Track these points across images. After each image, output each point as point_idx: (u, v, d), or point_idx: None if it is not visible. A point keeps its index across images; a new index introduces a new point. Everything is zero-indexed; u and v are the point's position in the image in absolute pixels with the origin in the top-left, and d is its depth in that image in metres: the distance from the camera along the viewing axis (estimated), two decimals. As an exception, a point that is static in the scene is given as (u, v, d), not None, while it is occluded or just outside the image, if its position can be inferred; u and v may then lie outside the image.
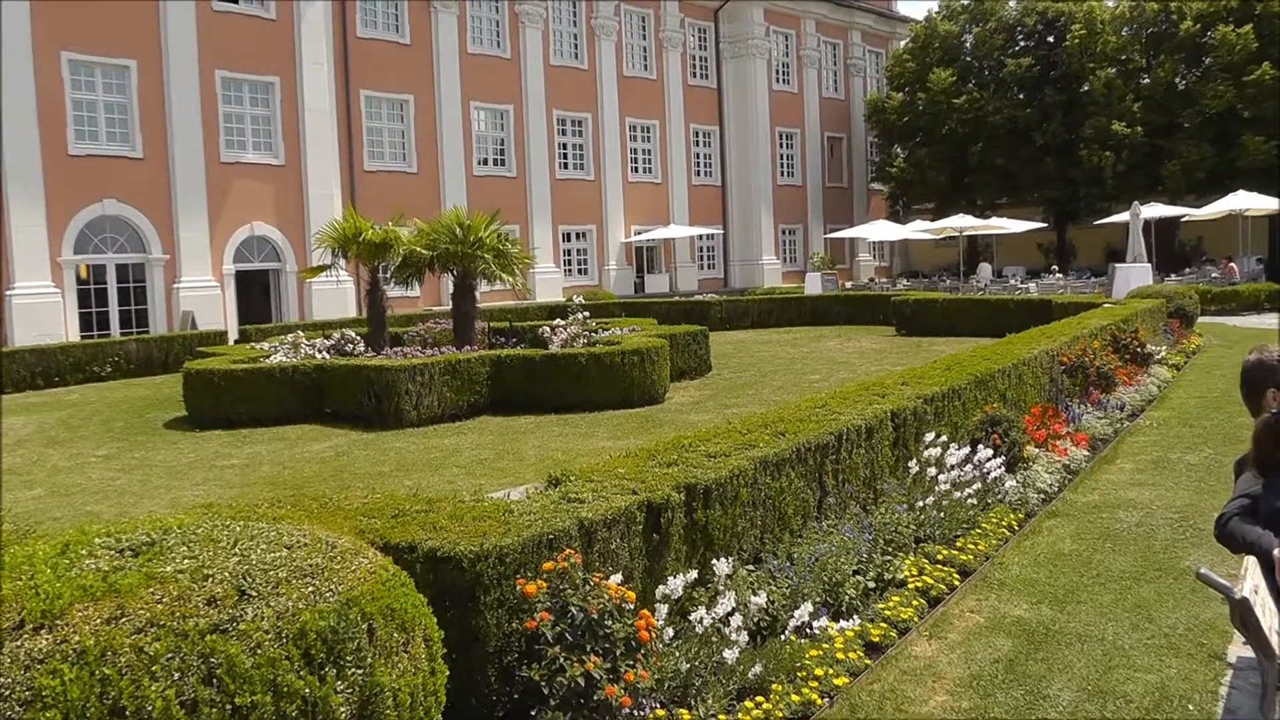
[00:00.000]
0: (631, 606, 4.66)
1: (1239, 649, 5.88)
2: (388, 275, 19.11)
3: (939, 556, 7.35)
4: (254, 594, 3.00)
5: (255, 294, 32.52)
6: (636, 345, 16.57)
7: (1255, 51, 39.63)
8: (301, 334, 18.52)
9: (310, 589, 3.09)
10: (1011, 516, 8.40)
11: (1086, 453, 10.66)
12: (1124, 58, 44.11)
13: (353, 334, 18.72)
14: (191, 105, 30.15)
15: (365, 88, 35.43)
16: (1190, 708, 5.24)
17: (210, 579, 3.03)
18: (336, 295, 32.84)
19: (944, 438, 8.48)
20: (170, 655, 2.78)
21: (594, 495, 5.42)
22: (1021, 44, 48.48)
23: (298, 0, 32.63)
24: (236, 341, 26.35)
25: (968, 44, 49.66)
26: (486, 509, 5.01)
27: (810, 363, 21.36)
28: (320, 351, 17.73)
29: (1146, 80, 43.63)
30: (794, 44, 52.09)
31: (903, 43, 55.08)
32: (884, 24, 57.46)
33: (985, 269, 42.84)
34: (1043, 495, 9.19)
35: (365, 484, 10.74)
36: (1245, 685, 5.40)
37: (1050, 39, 47.86)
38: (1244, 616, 4.04)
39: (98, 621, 2.83)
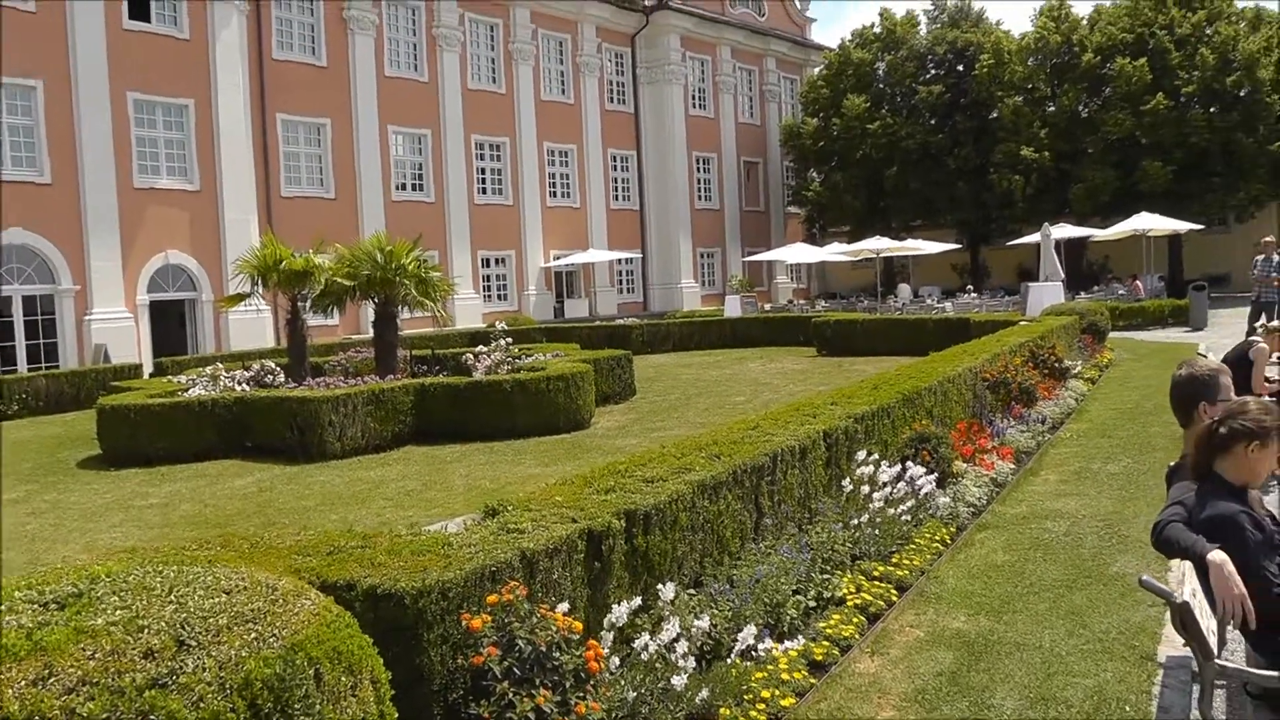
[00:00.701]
0: (578, 637, 4.55)
1: (1168, 649, 5.99)
2: (308, 304, 18.77)
3: (876, 573, 7.34)
4: (194, 644, 2.82)
5: (170, 325, 31.74)
6: (561, 371, 16.44)
7: (1150, 83, 40.96)
8: (220, 366, 18.10)
9: (253, 635, 2.92)
10: (944, 531, 8.44)
11: (1012, 466, 10.77)
12: (1030, 86, 45.16)
13: (272, 365, 18.36)
14: (102, 128, 29.29)
15: (282, 111, 34.91)
16: (1127, 709, 5.33)
17: (146, 630, 2.84)
18: (255, 325, 32.22)
19: (875, 456, 8.49)
20: (106, 716, 2.59)
21: (534, 525, 5.30)
22: (933, 72, 49.42)
23: (212, 20, 32.03)
24: (152, 375, 25.60)
25: (880, 71, 50.44)
26: (425, 543, 4.86)
27: (734, 384, 21.36)
28: (240, 384, 17.34)
29: (1052, 108, 44.75)
30: (710, 70, 52.54)
31: (817, 70, 55.85)
32: (798, 51, 58.19)
33: (905, 289, 43.43)
34: (973, 509, 9.25)
35: (291, 520, 10.47)
36: (1176, 684, 5.51)
37: (960, 68, 48.84)
38: (1184, 619, 4.15)
39: (23, 684, 2.63)
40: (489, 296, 42.20)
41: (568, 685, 4.35)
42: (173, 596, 3.06)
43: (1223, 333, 26.60)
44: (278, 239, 19.06)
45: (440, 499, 11.36)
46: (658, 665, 5.12)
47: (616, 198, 48.71)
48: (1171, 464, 5.08)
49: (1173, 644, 6.05)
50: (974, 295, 39.83)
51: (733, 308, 40.05)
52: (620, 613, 4.91)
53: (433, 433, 15.70)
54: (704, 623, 5.44)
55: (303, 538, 5.01)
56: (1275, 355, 11.25)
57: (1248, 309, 22.92)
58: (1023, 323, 21.09)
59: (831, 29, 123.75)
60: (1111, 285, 39.58)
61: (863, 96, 48.49)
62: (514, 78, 43.14)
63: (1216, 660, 4.16)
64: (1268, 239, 23.23)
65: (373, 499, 11.59)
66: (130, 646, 2.77)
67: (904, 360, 18.46)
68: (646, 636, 5.05)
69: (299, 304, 18.56)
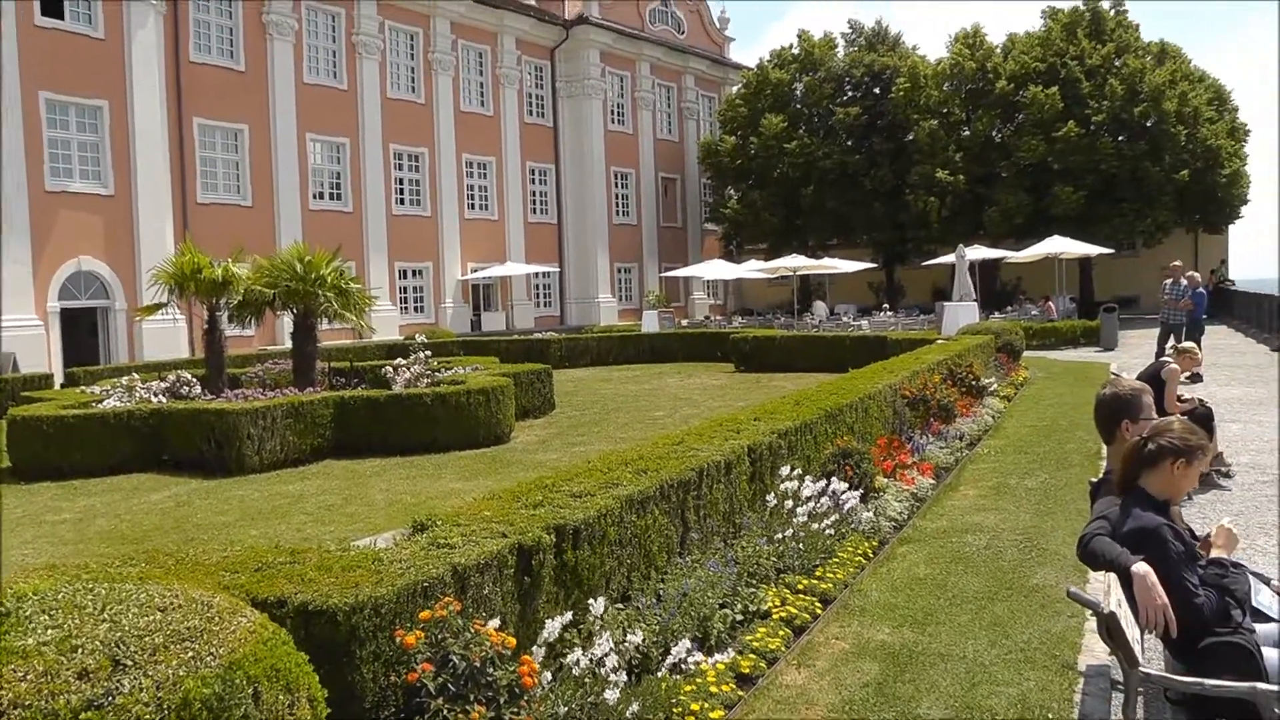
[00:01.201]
0: (511, 652, 4.50)
1: (1088, 658, 6.11)
2: (225, 314, 18.42)
3: (800, 586, 7.37)
4: (130, 664, 2.71)
5: (82, 334, 30.89)
6: (482, 384, 16.34)
7: (1062, 111, 41.90)
8: (135, 376, 17.66)
9: (190, 654, 2.82)
10: (866, 545, 8.51)
11: (932, 481, 10.91)
12: (945, 111, 45.95)
13: (189, 376, 17.95)
14: (13, 129, 28.44)
15: (199, 115, 34.28)
16: (1050, 716, 5.41)
17: (80, 650, 2.73)
18: (170, 335, 31.53)
19: (799, 471, 8.55)
20: (39, 739, 2.48)
21: (464, 540, 5.24)
22: (850, 94, 50.08)
23: (128, 19, 31.29)
24: (63, 385, 24.86)
25: (798, 92, 50.98)
26: (355, 558, 4.78)
27: (653, 399, 21.41)
28: (156, 395, 16.93)
29: (967, 132, 45.55)
30: (629, 86, 52.73)
31: (735, 88, 56.40)
32: (717, 70, 58.66)
33: (820, 307, 43.86)
34: (894, 523, 9.35)
35: (210, 535, 10.23)
36: (1096, 691, 5.63)
37: (877, 90, 49.56)
38: (1111, 628, 4.25)
39: (-51, 708, 2.52)
40: (406, 308, 41.84)
41: (502, 701, 4.30)
42: (106, 615, 2.95)
43: (1133, 353, 27.31)
44: (195, 246, 18.69)
45: (362, 514, 11.20)
46: (588, 680, 5.09)
47: (534, 211, 48.63)
48: (1094, 479, 5.20)
49: (1092, 653, 6.17)
50: (890, 314, 40.44)
51: (650, 323, 40.18)
52: (553, 628, 4.87)
53: (352, 446, 15.48)
54: (637, 637, 5.42)
55: (230, 554, 4.89)
56: (1185, 375, 11.57)
57: (1157, 330, 23.47)
58: (939, 341, 21.43)
59: (750, 49, 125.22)
60: (1025, 306, 40.49)
61: (780, 116, 49.00)
62: (434, 88, 42.89)
63: (1140, 668, 4.25)
64: (1175, 263, 23.84)
65: (293, 514, 11.38)
66: (64, 667, 2.66)
67: (823, 377, 18.61)
68: (578, 652, 5.02)
69: (217, 314, 18.20)
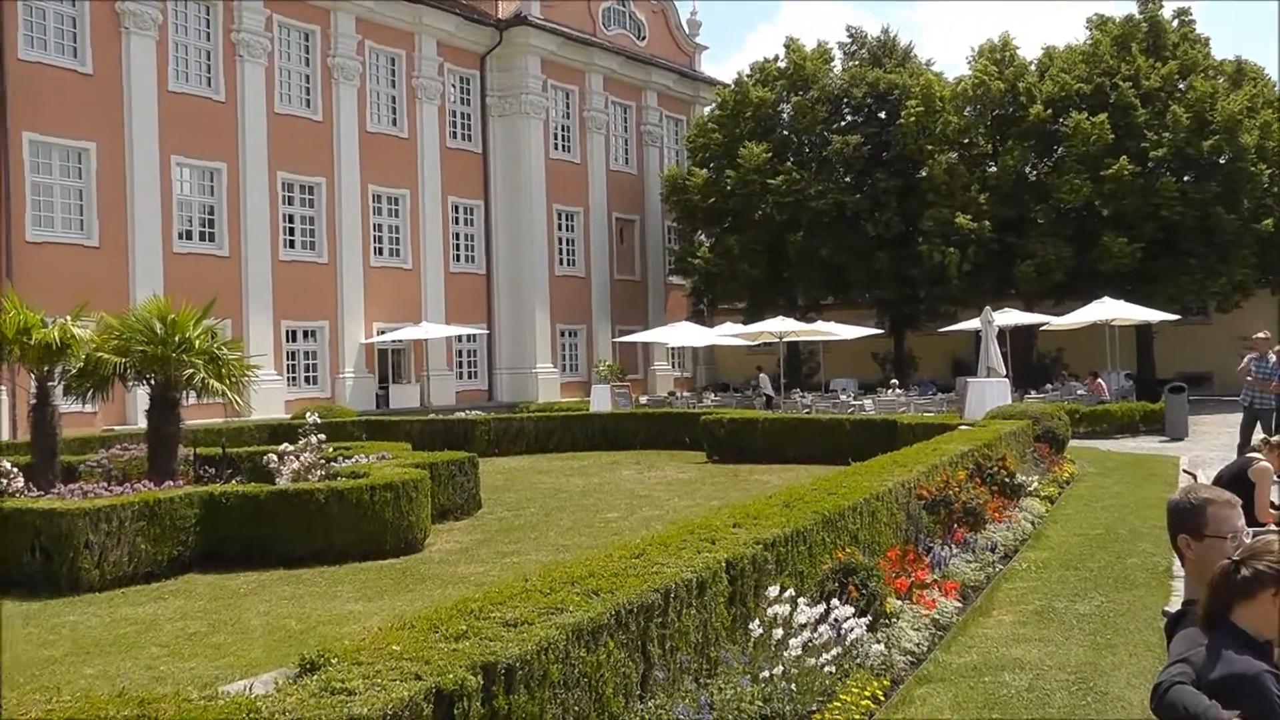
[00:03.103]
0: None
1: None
2: (60, 385, 18.17)
3: (792, 741, 7.29)
4: None
5: None
6: (389, 478, 16.21)
7: (1112, 143, 42.39)
8: (-61, 465, 17.33)
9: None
10: (876, 685, 8.42)
11: (957, 603, 10.89)
12: (967, 141, 46.66)
13: (8, 465, 17.63)
14: None
15: (30, 129, 33.89)
16: None
17: None
18: (-16, 412, 31.14)
19: (790, 592, 8.47)
20: None
21: (366, 684, 5.10)
22: (849, 118, 50.93)
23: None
24: None
25: (785, 115, 51.64)
26: (224, 709, 4.64)
27: (605, 497, 21.38)
28: (-37, 488, 16.62)
29: (993, 168, 46.21)
30: (576, 103, 53.27)
31: (708, 109, 57.10)
32: (685, 85, 59.37)
33: (765, 379, 43.85)
34: (911, 657, 9.28)
35: (28, 678, 9.94)
36: None
37: (882, 115, 50.38)
38: None
39: None
40: (295, 379, 41.61)
41: None
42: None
43: (1207, 444, 27.57)
44: (22, 298, 18.46)
45: (233, 645, 10.98)
46: None
47: (458, 258, 48.73)
48: (1169, 609, 5.14)
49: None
50: (899, 391, 40.62)
51: (600, 399, 40.14)
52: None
53: (223, 556, 15.23)
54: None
55: (55, 706, 4.72)
56: (1279, 475, 11.31)
57: (1238, 416, 23.31)
58: (963, 427, 21.56)
59: (727, 60, 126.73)
60: (1069, 384, 40.68)
61: (763, 145, 49.60)
62: (333, 101, 43.04)
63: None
64: (1259, 334, 23.40)
65: (143, 646, 11.13)
66: None
67: (817, 470, 18.59)
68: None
69: (49, 386, 17.94)
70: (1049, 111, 44.70)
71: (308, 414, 21.33)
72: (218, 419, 33.20)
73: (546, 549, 15.65)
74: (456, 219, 48.80)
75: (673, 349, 56.74)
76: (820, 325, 43.62)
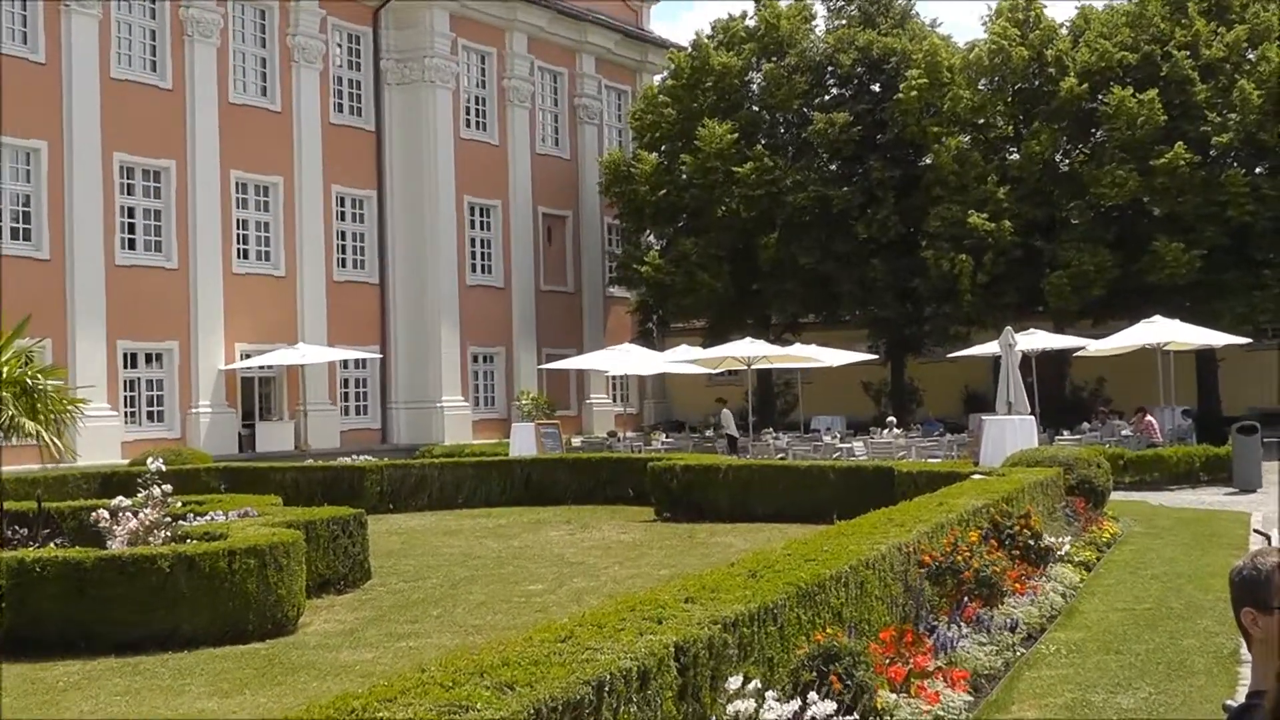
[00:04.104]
0: None
1: None
2: None
3: None
4: None
5: None
6: (253, 541, 16.11)
7: (1164, 126, 42.64)
8: None
9: None
10: (863, 807, 8.41)
11: (967, 697, 10.88)
12: (982, 121, 47.06)
13: None
14: None
15: None
16: None
17: None
18: None
19: (756, 683, 8.47)
20: None
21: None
22: (835, 92, 51.17)
23: None
24: None
25: (755, 87, 51.79)
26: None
27: (528, 564, 21.35)
28: None
29: (1015, 155, 46.51)
30: (494, 69, 53.32)
31: (658, 78, 57.15)
32: (630, 48, 59.48)
33: (727, 415, 43.83)
34: (907, 771, 9.27)
35: None
36: None
37: (876, 87, 50.68)
38: None
39: None
40: (134, 416, 41.24)
41: None
42: None
43: (1286, 497, 27.72)
44: None
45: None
46: None
47: (344, 264, 48.55)
48: (1231, 703, 5.11)
49: None
50: (898, 431, 40.68)
51: (524, 441, 39.94)
52: None
53: (38, 640, 15.02)
54: None
55: None
56: None
57: None
58: (977, 477, 21.53)
59: (682, 19, 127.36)
60: (1111, 422, 40.84)
61: (728, 123, 49.67)
62: (185, 64, 42.73)
63: None
64: None
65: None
66: None
67: (794, 531, 18.62)
68: None
69: None
70: (1085, 86, 44.91)
71: (150, 459, 21.11)
72: (33, 465, 32.78)
73: (452, 630, 15.62)
74: (342, 214, 48.63)
75: (614, 378, 56.74)
76: (799, 349, 43.69)
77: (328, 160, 47.48)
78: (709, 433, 44.47)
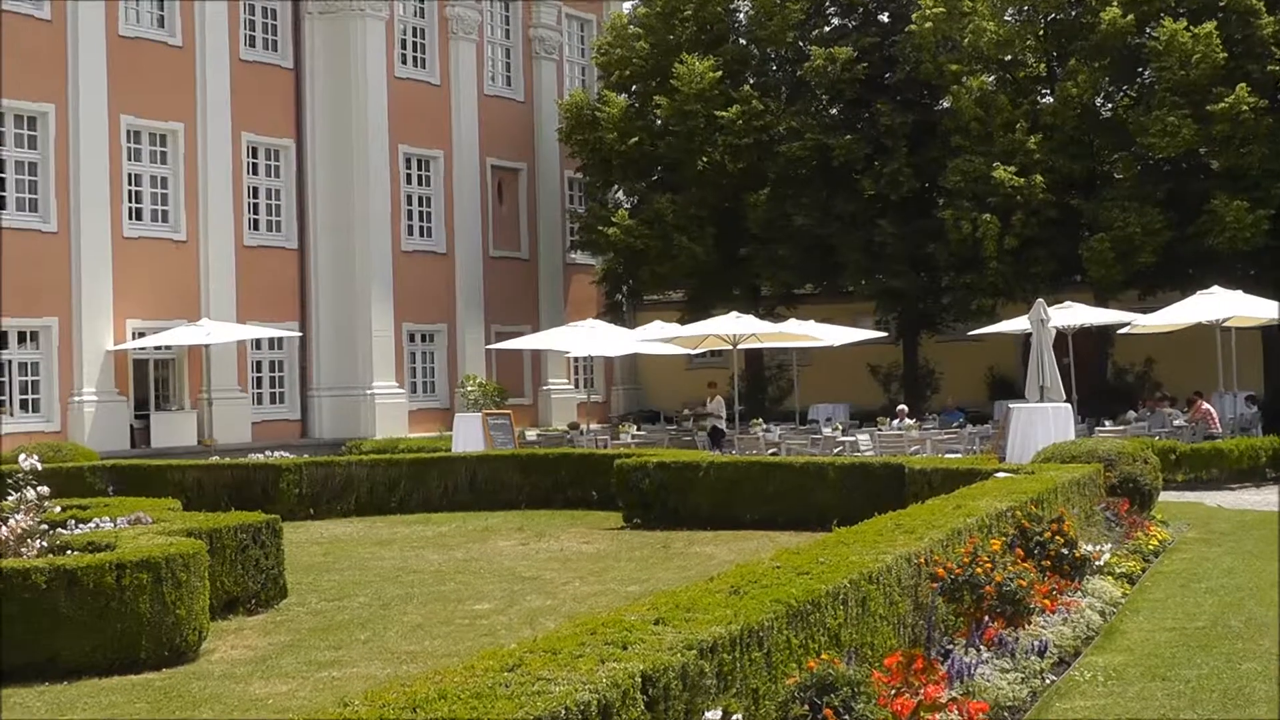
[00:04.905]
0: None
1: None
2: None
3: None
4: None
5: None
6: (146, 552, 16.03)
7: (1224, 66, 42.68)
8: None
9: None
10: None
11: (989, 734, 10.89)
12: (1009, 59, 46.91)
13: None
14: None
15: None
16: None
17: None
18: None
19: (738, 718, 8.47)
20: None
21: None
22: (835, 22, 51.11)
23: None
24: None
25: (742, 16, 51.80)
26: None
27: (473, 580, 21.34)
28: None
29: (1048, 98, 46.62)
30: (435, -2, 53.15)
31: (627, 5, 57.08)
32: (596, -29, 59.38)
33: (719, 403, 43.86)
34: (917, 821, 9.29)
35: None
36: None
37: (884, 17, 50.70)
38: None
39: None
40: (5, 404, 41.11)
41: None
42: None
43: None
44: None
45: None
46: None
47: (257, 226, 48.53)
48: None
49: None
50: (910, 422, 40.73)
51: (468, 435, 39.99)
52: None
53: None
54: None
55: None
56: None
57: None
58: (1002, 474, 21.59)
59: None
60: (1161, 411, 40.97)
61: (710, 59, 49.71)
62: (65, -8, 42.65)
63: None
64: None
65: None
66: None
67: (786, 539, 18.63)
68: None
69: None
70: (1130, 18, 44.88)
71: (22, 456, 21.05)
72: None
73: (382, 658, 15.53)
74: (255, 167, 48.58)
75: (577, 360, 56.89)
76: (794, 326, 43.56)
77: (237, 104, 47.32)
78: (689, 424, 44.49)
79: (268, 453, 36.75)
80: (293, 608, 19.23)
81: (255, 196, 48.55)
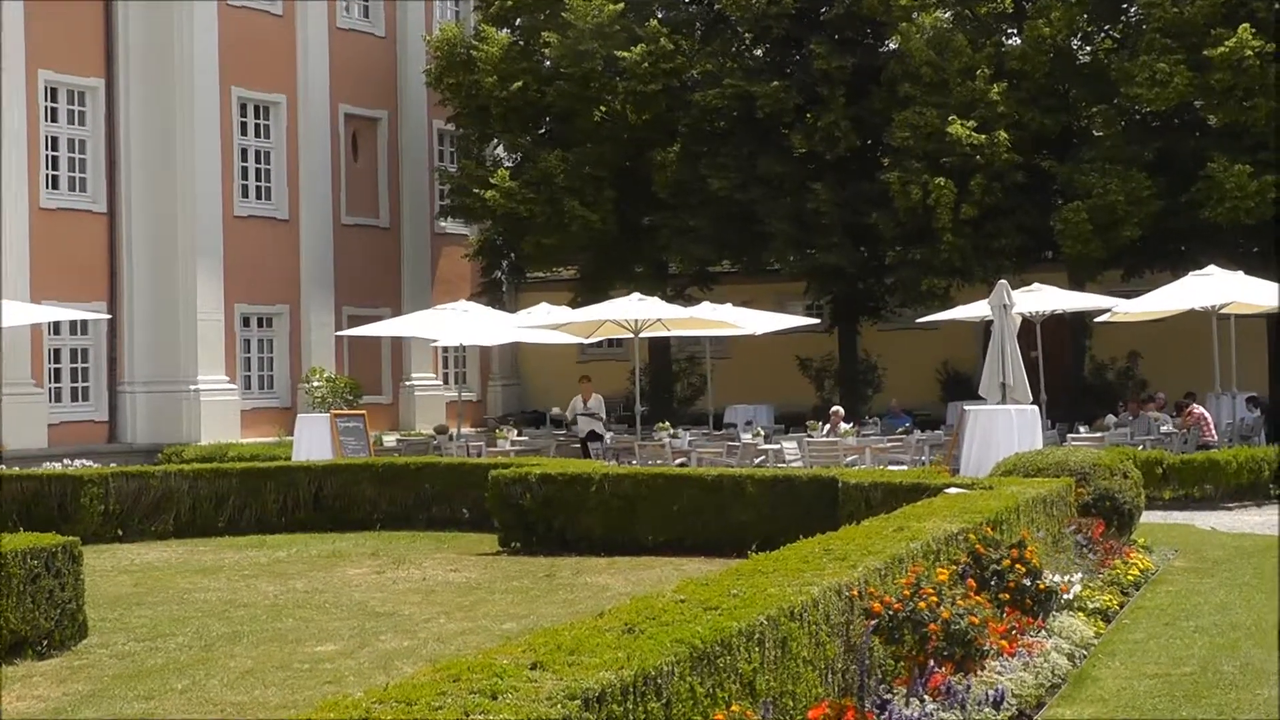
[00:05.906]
0: None
1: None
2: None
3: None
4: None
5: None
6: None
7: (1225, 2, 42.97)
8: None
9: None
10: None
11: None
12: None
13: None
14: None
15: None
16: None
17: None
18: None
19: (632, 784, 8.51)
20: None
21: None
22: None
23: None
24: None
25: (647, -67, 51.89)
26: None
27: (316, 616, 21.33)
28: None
29: (1015, 39, 47.03)
30: (273, -88, 53.03)
31: (507, -78, 57.15)
32: (469, -125, 59.42)
33: (597, 400, 43.87)
34: None
35: None
36: None
37: (818, -60, 50.76)
38: None
39: None
40: None
41: None
42: None
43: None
44: None
45: None
46: None
47: (56, 184, 48.23)
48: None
49: None
50: (846, 427, 40.89)
51: (315, 441, 39.95)
52: None
53: None
54: None
55: None
56: None
57: None
58: (953, 490, 21.72)
59: None
60: (1145, 413, 41.28)
61: (609, -13, 49.82)
62: None
63: None
64: None
65: None
66: None
67: (693, 567, 18.72)
68: None
69: None
70: (1109, -53, 45.39)
71: None
72: None
73: (204, 710, 15.43)
74: (54, 113, 48.32)
75: (446, 351, 56.91)
76: (709, 311, 43.71)
77: (32, 38, 46.92)
78: (575, 426, 44.54)
79: (66, 461, 36.65)
80: (95, 650, 19.07)
81: (55, 149, 48.20)
